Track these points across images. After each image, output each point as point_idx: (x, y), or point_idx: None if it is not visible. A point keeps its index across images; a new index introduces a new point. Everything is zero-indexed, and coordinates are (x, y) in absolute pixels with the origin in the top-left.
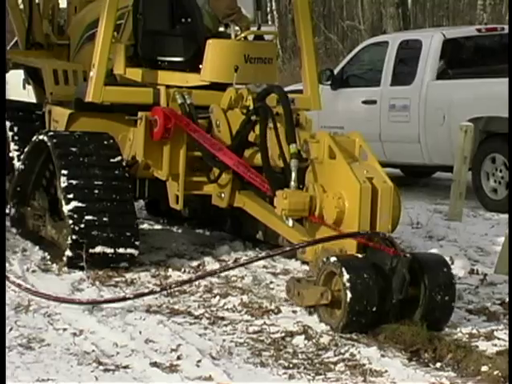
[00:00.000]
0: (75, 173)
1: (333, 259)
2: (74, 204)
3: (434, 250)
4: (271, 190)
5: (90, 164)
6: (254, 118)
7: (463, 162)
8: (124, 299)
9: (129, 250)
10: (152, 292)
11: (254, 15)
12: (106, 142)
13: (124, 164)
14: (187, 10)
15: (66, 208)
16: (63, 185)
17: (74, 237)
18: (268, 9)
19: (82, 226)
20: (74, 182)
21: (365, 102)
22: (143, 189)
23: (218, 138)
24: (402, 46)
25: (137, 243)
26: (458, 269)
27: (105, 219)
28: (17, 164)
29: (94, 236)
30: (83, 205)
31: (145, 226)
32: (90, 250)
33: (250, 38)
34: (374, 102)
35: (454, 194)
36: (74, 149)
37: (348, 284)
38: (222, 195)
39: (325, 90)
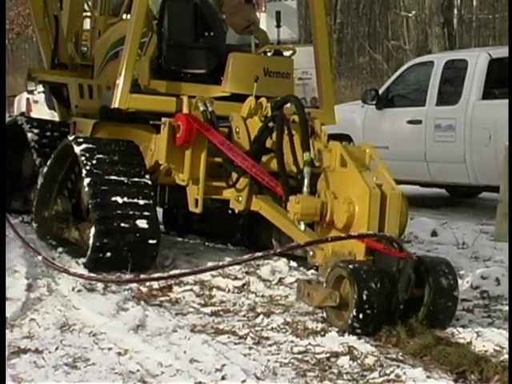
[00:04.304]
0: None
1: (341, 263)
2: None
3: (479, 271)
4: (285, 194)
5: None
6: (271, 124)
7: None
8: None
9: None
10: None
11: (298, 35)
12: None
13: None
14: (210, 23)
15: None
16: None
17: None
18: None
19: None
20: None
21: (410, 122)
22: (163, 195)
23: (238, 144)
24: (447, 66)
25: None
26: (504, 290)
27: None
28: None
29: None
30: (107, 212)
31: (188, 245)
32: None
33: (269, 52)
34: (420, 121)
35: (500, 214)
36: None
37: (355, 287)
38: (240, 199)
39: (369, 110)
